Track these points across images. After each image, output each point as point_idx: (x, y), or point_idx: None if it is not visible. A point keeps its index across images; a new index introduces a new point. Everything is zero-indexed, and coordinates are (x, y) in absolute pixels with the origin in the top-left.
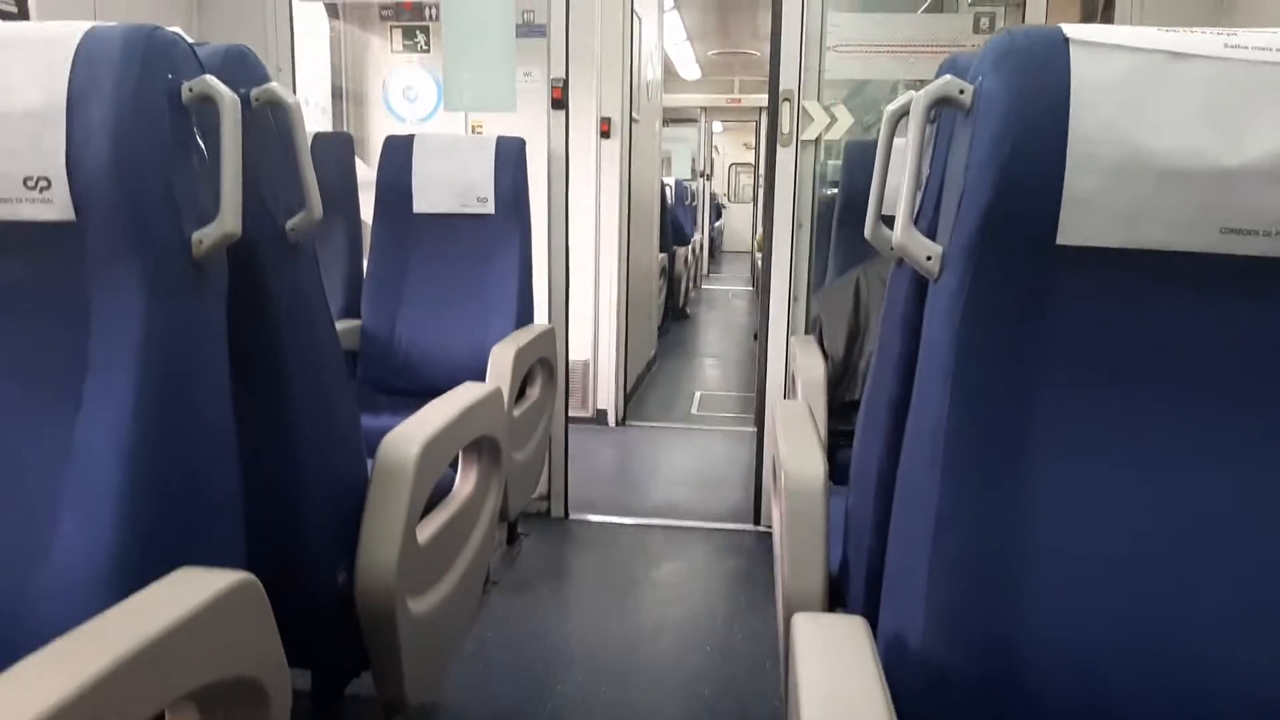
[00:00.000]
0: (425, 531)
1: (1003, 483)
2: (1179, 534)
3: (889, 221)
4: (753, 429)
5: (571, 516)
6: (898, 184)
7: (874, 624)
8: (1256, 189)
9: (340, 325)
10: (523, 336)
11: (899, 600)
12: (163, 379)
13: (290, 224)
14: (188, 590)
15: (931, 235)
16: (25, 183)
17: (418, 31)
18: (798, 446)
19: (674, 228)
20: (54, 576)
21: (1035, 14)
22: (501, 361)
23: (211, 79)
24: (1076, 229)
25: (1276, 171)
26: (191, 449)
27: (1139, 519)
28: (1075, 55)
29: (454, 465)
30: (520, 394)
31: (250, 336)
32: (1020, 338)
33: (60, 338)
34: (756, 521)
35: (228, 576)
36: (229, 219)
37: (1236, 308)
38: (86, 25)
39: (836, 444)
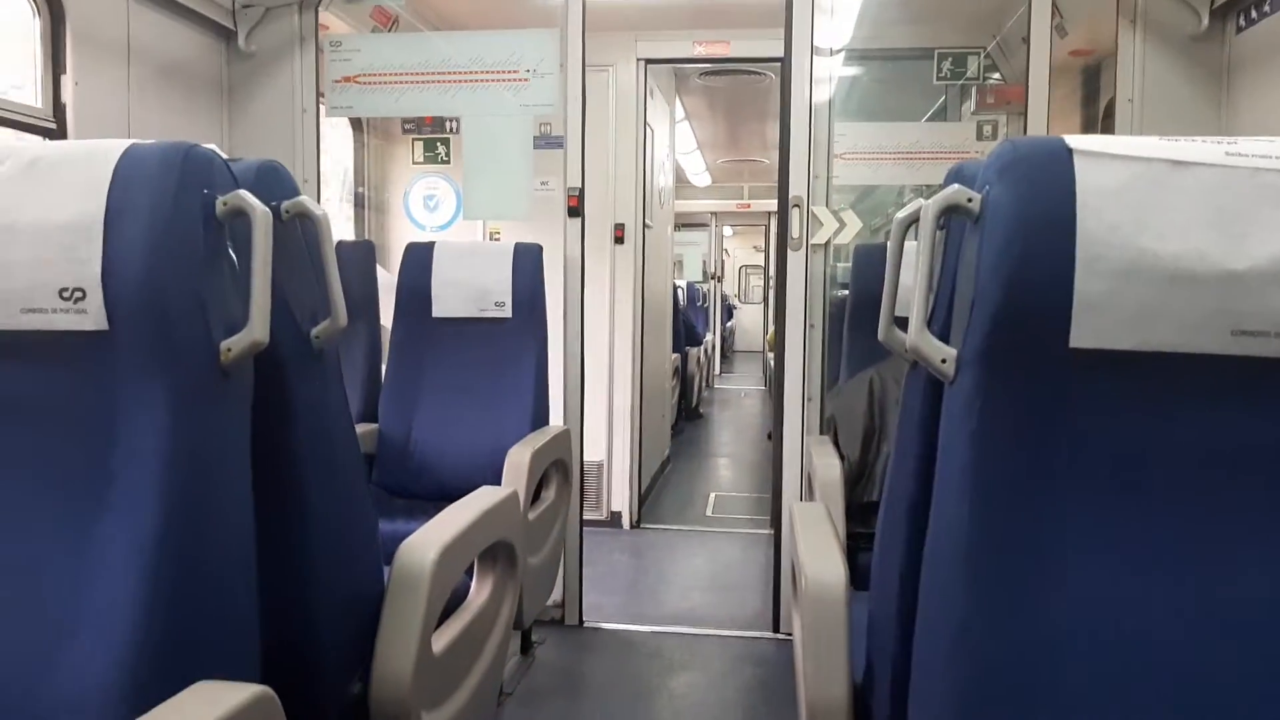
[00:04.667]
0: (440, 640)
1: (1027, 588)
2: (1206, 640)
3: (901, 323)
4: (769, 531)
5: (586, 624)
6: (909, 286)
7: None
8: (1265, 291)
9: (358, 429)
10: (538, 439)
11: (926, 709)
12: (185, 487)
13: (315, 331)
14: (205, 706)
15: (945, 338)
16: (61, 294)
17: (438, 144)
18: (817, 551)
19: (686, 329)
20: (70, 685)
21: (1037, 122)
22: (517, 465)
23: (245, 194)
24: (1089, 332)
25: None
26: (210, 560)
27: (1165, 624)
28: (1079, 164)
29: (469, 571)
30: (535, 496)
31: (271, 443)
32: (1037, 440)
33: (86, 446)
34: (775, 629)
35: (244, 691)
36: (258, 328)
37: (1253, 411)
38: (127, 143)
39: (856, 547)
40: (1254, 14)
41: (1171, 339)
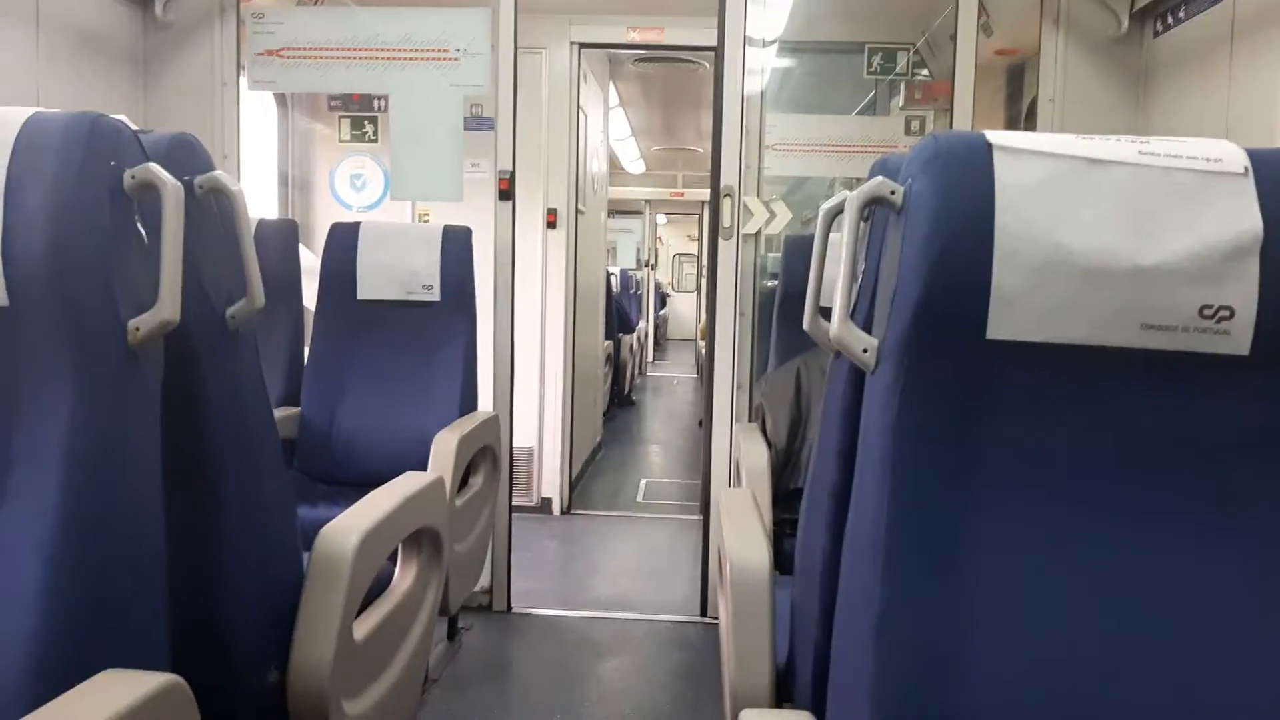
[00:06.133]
0: (362, 627)
1: (944, 573)
2: (1123, 630)
3: (827, 313)
4: (698, 517)
5: (514, 610)
6: (834, 277)
7: (822, 718)
8: (1172, 287)
9: (279, 413)
10: (466, 424)
11: (845, 693)
12: (91, 471)
13: (230, 311)
14: (111, 695)
15: (867, 328)
16: None
17: (366, 122)
18: (743, 537)
19: (619, 316)
20: None
21: (962, 118)
22: (444, 450)
23: (154, 167)
24: (1005, 324)
25: (1190, 270)
26: (117, 544)
27: (1079, 608)
28: (998, 160)
29: (393, 558)
30: (463, 483)
31: (183, 425)
32: (956, 429)
33: None
34: (704, 613)
35: (153, 679)
36: (168, 306)
37: (1161, 403)
38: (29, 111)
39: (782, 532)
40: (1170, 19)
41: (1084, 333)
